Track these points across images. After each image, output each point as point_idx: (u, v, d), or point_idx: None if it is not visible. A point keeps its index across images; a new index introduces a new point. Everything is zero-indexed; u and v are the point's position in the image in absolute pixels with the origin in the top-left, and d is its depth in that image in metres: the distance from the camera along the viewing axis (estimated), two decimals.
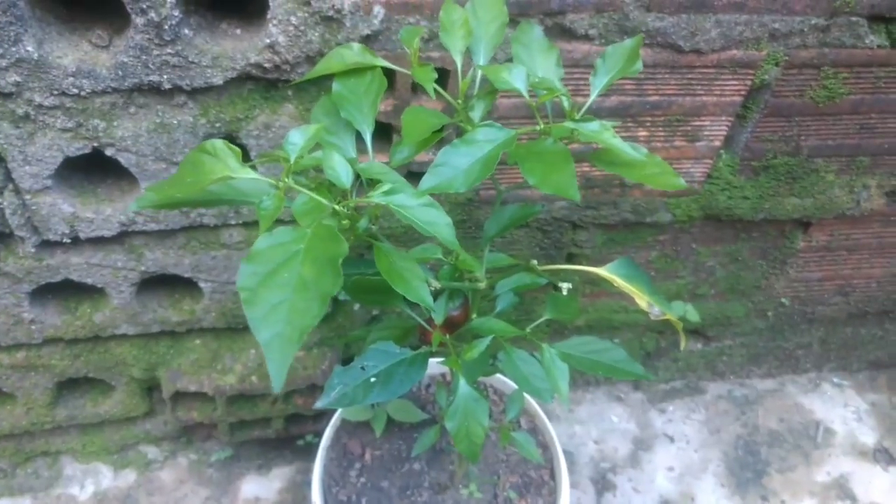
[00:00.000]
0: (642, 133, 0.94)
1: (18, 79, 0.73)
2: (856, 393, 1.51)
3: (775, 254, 1.21)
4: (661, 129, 0.94)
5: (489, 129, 0.54)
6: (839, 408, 1.48)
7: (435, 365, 1.07)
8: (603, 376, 0.70)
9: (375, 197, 0.49)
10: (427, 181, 0.53)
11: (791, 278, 1.25)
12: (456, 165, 0.53)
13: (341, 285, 0.43)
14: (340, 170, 0.53)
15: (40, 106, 0.76)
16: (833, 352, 1.49)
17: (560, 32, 0.82)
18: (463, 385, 0.66)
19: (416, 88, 0.85)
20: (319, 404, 0.63)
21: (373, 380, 0.64)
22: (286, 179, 0.49)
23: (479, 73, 0.65)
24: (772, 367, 1.50)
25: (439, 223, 0.51)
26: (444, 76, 0.83)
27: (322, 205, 0.50)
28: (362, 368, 0.65)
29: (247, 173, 0.48)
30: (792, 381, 1.52)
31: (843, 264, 1.25)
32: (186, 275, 0.98)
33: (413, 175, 0.95)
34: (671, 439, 1.38)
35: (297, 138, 0.51)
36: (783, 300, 1.31)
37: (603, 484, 1.29)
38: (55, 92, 0.75)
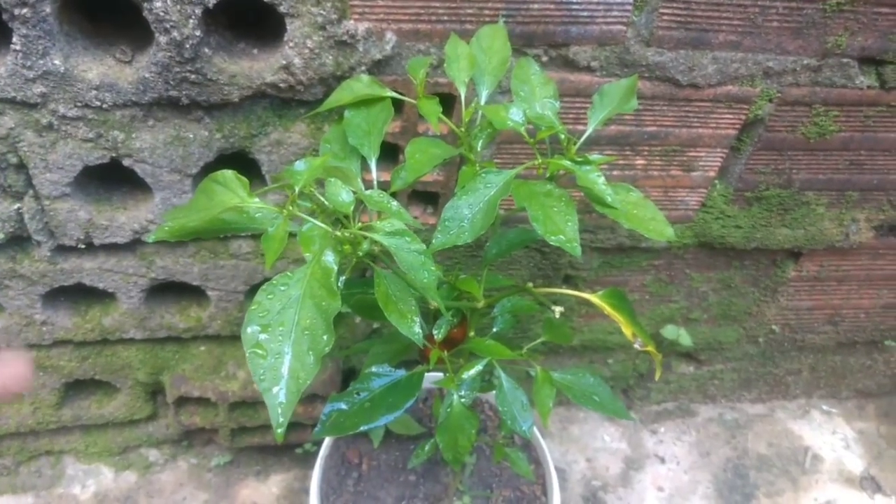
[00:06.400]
0: (640, 161, 0.98)
1: (44, 90, 0.76)
2: (844, 420, 1.54)
3: (766, 282, 1.25)
4: (657, 158, 0.98)
5: (488, 174, 0.58)
6: (827, 435, 1.50)
7: (432, 379, 1.10)
8: (587, 405, 0.74)
9: (379, 235, 0.53)
10: (437, 240, 0.56)
11: (782, 306, 1.29)
12: (461, 218, 0.57)
13: (333, 343, 0.46)
14: (343, 198, 0.56)
15: (64, 116, 0.79)
16: (822, 379, 1.51)
17: (563, 63, 0.86)
18: (456, 403, 0.69)
19: None
20: (315, 434, 0.66)
21: (367, 405, 0.67)
22: (290, 207, 0.52)
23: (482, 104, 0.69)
24: (762, 393, 1.52)
25: (430, 286, 0.54)
26: (450, 100, 0.86)
27: (326, 231, 0.53)
28: (357, 394, 0.68)
29: (255, 202, 0.52)
30: (782, 407, 1.55)
31: (833, 294, 1.28)
32: (195, 283, 1.01)
33: (414, 192, 0.99)
34: (662, 460, 1.41)
35: (302, 167, 0.54)
36: (774, 327, 1.34)
37: (594, 502, 1.31)
38: (79, 104, 0.78)
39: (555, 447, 1.39)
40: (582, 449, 1.41)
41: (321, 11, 0.75)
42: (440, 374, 1.01)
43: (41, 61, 0.74)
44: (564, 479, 1.34)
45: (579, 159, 0.58)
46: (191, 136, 0.84)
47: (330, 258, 0.51)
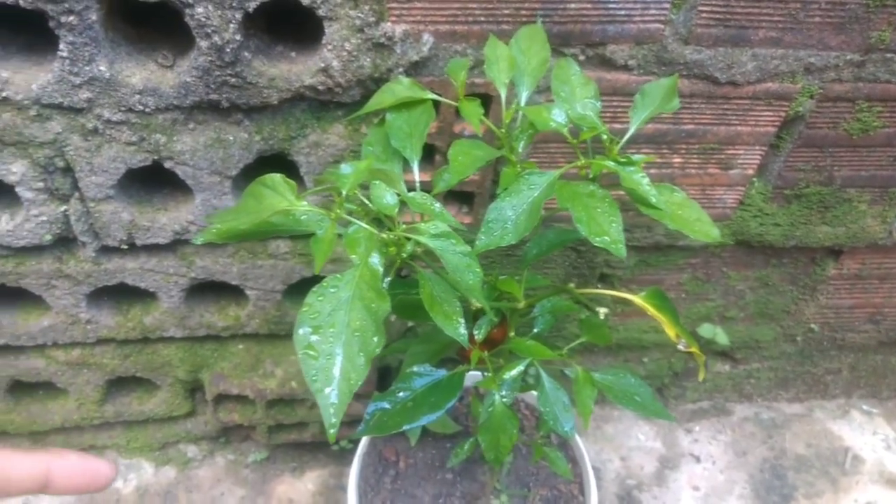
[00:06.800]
0: (677, 160, 0.97)
1: (90, 95, 0.78)
2: (885, 421, 1.51)
3: (805, 280, 1.23)
4: (695, 156, 0.97)
5: (531, 176, 0.58)
6: (868, 435, 1.48)
7: (468, 377, 1.11)
8: (628, 406, 0.74)
9: (425, 238, 0.53)
10: (481, 241, 0.56)
11: (821, 305, 1.27)
12: (505, 219, 0.56)
13: (383, 345, 0.47)
14: (388, 200, 0.57)
15: (108, 121, 0.81)
16: (863, 379, 1.49)
17: (600, 62, 0.85)
18: (498, 403, 0.69)
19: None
20: (358, 433, 0.66)
21: (410, 404, 0.67)
22: (338, 211, 0.53)
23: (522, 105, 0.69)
24: (800, 392, 1.50)
25: (476, 287, 0.54)
26: (487, 100, 0.86)
27: (371, 233, 0.53)
28: (399, 393, 0.68)
29: (303, 206, 0.52)
30: (820, 407, 1.53)
31: (875, 293, 1.26)
32: (234, 282, 1.02)
33: (449, 192, 0.99)
34: (697, 459, 1.40)
35: (349, 171, 0.54)
36: (812, 326, 1.32)
37: (629, 501, 1.31)
38: (123, 108, 0.80)
39: (589, 446, 1.39)
40: (616, 448, 1.40)
41: (359, 14, 0.75)
42: (476, 373, 1.02)
43: (87, 67, 0.75)
44: (599, 478, 1.34)
45: (622, 160, 0.57)
46: (231, 138, 0.86)
47: (376, 260, 0.52)
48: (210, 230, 0.55)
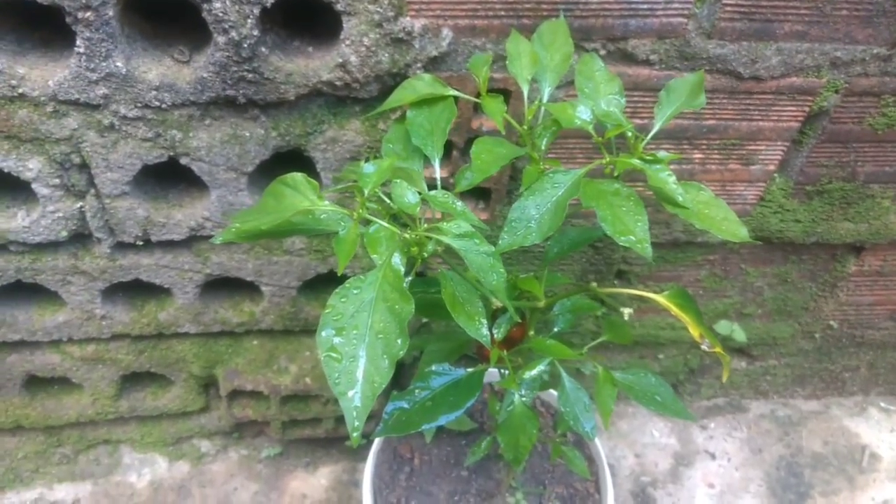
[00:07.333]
0: (697, 155, 0.95)
1: (107, 91, 0.77)
2: None
3: (825, 277, 1.21)
4: (716, 151, 0.95)
5: (555, 174, 0.57)
6: (886, 433, 1.46)
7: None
8: (649, 406, 0.73)
9: (449, 238, 0.52)
10: (504, 241, 0.55)
11: (841, 301, 1.25)
12: (528, 218, 0.55)
13: (407, 347, 0.46)
14: (410, 199, 0.56)
15: (124, 117, 0.80)
16: (881, 376, 1.47)
17: (621, 57, 0.84)
18: (517, 403, 0.68)
19: (478, 107, 0.87)
20: (377, 434, 0.66)
21: (429, 403, 0.66)
22: (360, 211, 0.52)
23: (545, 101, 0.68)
24: (817, 389, 1.49)
25: (499, 287, 0.53)
26: (505, 95, 0.85)
27: (394, 232, 0.52)
28: (417, 392, 0.67)
29: (325, 205, 0.52)
30: (837, 404, 1.51)
31: None
32: (249, 278, 1.02)
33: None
34: (712, 456, 1.39)
35: (371, 170, 0.53)
36: (831, 323, 1.30)
37: (643, 498, 1.30)
38: (139, 104, 0.79)
39: (603, 442, 1.38)
40: (630, 444, 1.39)
41: (378, 9, 0.74)
42: (493, 371, 1.01)
43: (104, 63, 0.75)
44: (613, 475, 1.33)
45: (648, 157, 0.56)
46: (247, 134, 0.85)
47: (398, 260, 0.51)
48: (230, 230, 0.54)
